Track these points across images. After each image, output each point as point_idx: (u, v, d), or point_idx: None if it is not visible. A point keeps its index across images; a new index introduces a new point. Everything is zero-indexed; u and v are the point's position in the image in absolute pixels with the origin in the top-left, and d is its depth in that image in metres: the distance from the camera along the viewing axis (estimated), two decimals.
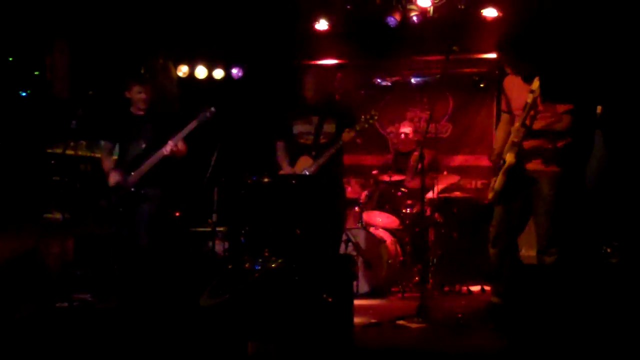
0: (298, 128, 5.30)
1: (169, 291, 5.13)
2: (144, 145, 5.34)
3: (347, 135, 5.06)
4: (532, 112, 4.55)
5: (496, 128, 8.26)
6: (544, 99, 4.61)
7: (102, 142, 5.53)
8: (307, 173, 5.13)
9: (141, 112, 5.45)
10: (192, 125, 5.33)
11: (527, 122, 4.59)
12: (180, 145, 5.29)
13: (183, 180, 7.10)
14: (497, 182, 4.72)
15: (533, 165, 4.65)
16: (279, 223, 5.24)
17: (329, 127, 5.21)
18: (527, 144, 4.64)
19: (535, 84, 4.51)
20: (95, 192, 5.38)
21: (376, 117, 5.11)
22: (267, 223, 5.47)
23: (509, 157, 4.65)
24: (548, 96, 4.66)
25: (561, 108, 4.58)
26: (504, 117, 5.00)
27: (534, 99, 4.52)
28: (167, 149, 5.23)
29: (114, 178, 5.30)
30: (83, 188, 5.68)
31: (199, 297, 4.65)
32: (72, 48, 6.85)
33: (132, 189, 5.27)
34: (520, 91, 4.76)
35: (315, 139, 5.23)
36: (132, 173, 5.28)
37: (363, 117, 5.09)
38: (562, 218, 4.65)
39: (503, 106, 5.04)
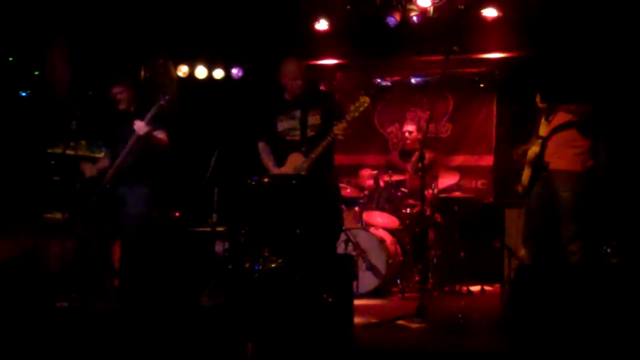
0: (282, 125, 5.03)
1: (169, 291, 5.13)
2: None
3: (338, 128, 4.72)
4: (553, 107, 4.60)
5: (496, 127, 8.22)
6: (543, 99, 4.64)
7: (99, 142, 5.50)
8: (301, 172, 4.88)
9: (124, 109, 5.44)
10: (157, 107, 5.28)
11: (550, 117, 4.62)
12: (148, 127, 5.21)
13: (183, 180, 7.12)
14: (524, 175, 4.73)
15: (554, 165, 4.64)
16: (279, 223, 5.17)
17: (314, 119, 4.95)
18: (551, 142, 4.65)
19: None
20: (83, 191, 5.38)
21: (366, 104, 4.76)
22: (267, 223, 5.44)
23: (533, 148, 4.67)
24: (548, 97, 4.69)
25: (582, 108, 4.56)
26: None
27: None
28: (142, 130, 5.17)
29: (89, 170, 5.32)
30: (83, 188, 5.67)
31: (199, 297, 4.65)
32: (72, 48, 6.85)
33: (108, 186, 5.28)
34: None
35: (302, 134, 4.96)
36: (108, 170, 5.31)
37: (352, 105, 4.78)
38: (586, 219, 4.60)
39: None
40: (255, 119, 5.37)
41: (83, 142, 6.12)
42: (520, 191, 4.83)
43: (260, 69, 7.97)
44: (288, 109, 5.03)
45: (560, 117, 4.64)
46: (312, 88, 5.15)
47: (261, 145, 5.16)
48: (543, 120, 4.70)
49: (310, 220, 4.93)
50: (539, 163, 4.66)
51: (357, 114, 4.77)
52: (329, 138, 4.77)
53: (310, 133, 4.94)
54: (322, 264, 4.53)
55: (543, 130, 4.69)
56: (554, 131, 4.65)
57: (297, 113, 4.98)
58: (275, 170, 5.03)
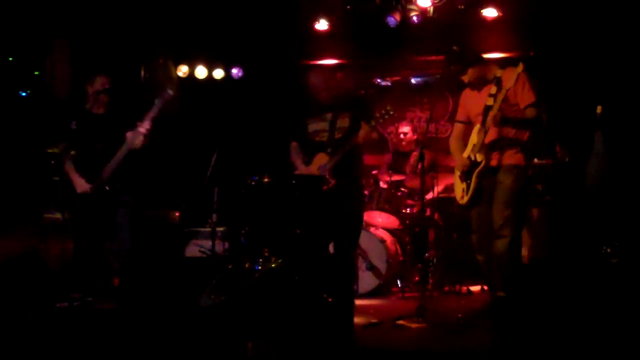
0: (313, 126, 5.21)
1: (169, 291, 5.12)
2: (101, 147, 5.28)
3: (363, 132, 4.92)
4: (491, 113, 4.62)
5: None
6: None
7: (60, 144, 5.33)
8: (323, 171, 4.99)
9: (100, 111, 5.36)
10: (156, 108, 5.22)
11: (486, 123, 4.68)
12: (148, 126, 5.16)
13: (183, 180, 7.12)
14: (472, 185, 4.78)
15: (497, 163, 4.73)
16: (283, 223, 5.17)
17: (343, 122, 5.10)
18: (493, 145, 4.74)
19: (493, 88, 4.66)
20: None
21: (392, 112, 4.94)
22: (269, 223, 5.44)
23: (480, 158, 4.73)
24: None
25: (523, 103, 4.65)
26: (458, 127, 5.10)
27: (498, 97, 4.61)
28: (140, 137, 5.13)
29: (81, 187, 5.23)
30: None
31: (199, 297, 4.66)
32: (72, 48, 6.84)
33: (107, 187, 5.22)
34: (477, 98, 4.85)
35: (330, 136, 5.11)
36: (104, 169, 5.21)
37: (378, 112, 4.94)
38: (520, 207, 4.70)
39: (459, 116, 5.08)
40: (287, 119, 5.54)
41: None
42: (465, 202, 4.87)
43: (260, 69, 7.99)
44: (320, 111, 5.19)
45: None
46: (342, 92, 5.28)
47: (293, 145, 5.34)
48: (480, 127, 4.76)
49: (314, 220, 4.94)
50: (485, 171, 4.72)
51: (381, 121, 4.98)
52: (352, 142, 4.96)
53: (337, 135, 5.10)
54: (322, 264, 4.53)
55: (482, 136, 4.74)
56: (496, 136, 4.72)
57: (329, 116, 5.15)
58: (302, 169, 5.21)
